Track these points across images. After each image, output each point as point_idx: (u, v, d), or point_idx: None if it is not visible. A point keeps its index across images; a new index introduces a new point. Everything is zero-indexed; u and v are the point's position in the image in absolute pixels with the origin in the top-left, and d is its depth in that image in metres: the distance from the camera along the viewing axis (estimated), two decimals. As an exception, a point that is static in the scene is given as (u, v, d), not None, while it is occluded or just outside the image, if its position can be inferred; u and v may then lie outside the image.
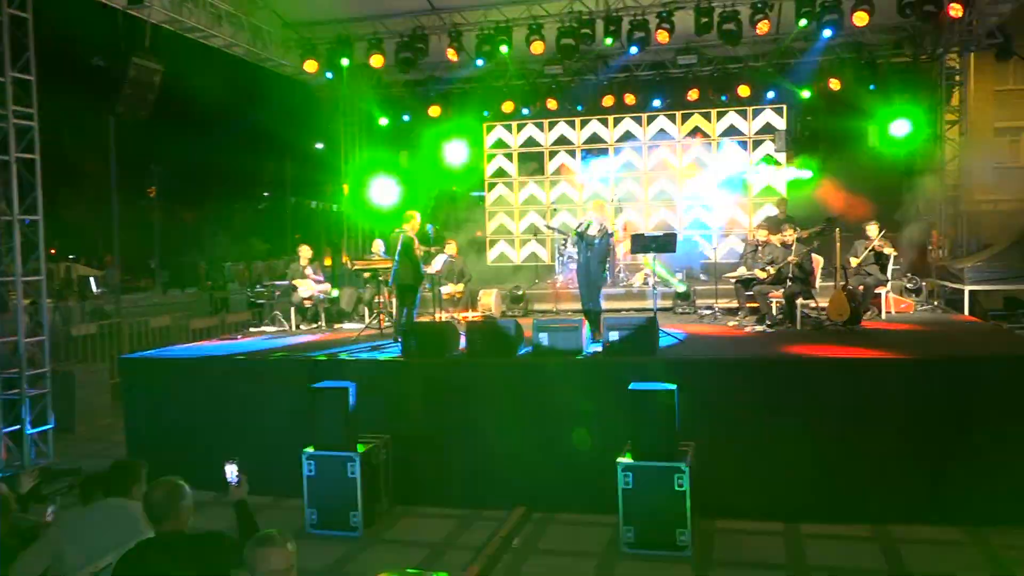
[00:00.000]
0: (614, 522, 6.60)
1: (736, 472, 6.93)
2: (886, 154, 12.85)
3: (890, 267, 10.18)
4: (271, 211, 39.62)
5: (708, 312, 11.11)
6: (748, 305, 10.51)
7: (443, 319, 11.09)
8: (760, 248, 10.70)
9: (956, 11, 11.14)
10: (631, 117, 15.14)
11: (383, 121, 15.71)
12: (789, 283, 9.40)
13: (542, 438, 7.44)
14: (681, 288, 11.75)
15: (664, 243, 8.51)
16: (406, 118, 15.64)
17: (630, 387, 6.56)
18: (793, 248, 9.57)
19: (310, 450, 7.19)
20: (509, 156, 15.97)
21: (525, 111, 15.23)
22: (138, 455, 8.41)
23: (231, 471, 3.74)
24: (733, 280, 10.66)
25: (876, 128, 13.26)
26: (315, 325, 11.53)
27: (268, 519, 7.43)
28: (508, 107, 15.09)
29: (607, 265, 8.98)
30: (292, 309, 11.46)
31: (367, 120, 15.92)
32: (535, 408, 7.52)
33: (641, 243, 8.55)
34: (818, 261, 9.65)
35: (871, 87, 13.32)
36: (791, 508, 6.85)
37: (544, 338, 7.90)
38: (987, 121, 19.85)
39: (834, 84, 13.60)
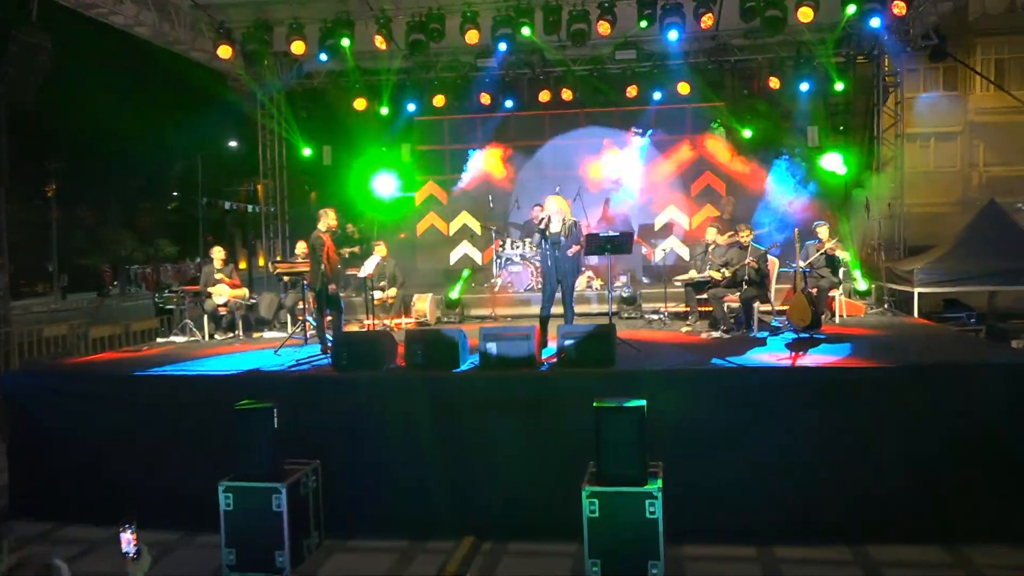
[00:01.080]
0: (573, 551, 5.96)
1: (706, 492, 6.35)
2: (830, 154, 12.66)
3: (841, 270, 9.87)
4: (181, 211, 37.48)
5: (656, 317, 10.58)
6: (700, 309, 10.03)
7: (375, 327, 10.22)
8: (710, 249, 10.23)
9: (900, 9, 10.97)
10: (568, 113, 14.53)
11: (304, 114, 14.69)
12: (745, 286, 8.93)
13: (492, 459, 6.70)
14: (627, 292, 11.20)
15: (620, 244, 7.89)
16: (331, 111, 14.66)
17: (595, 404, 5.87)
18: (749, 249, 9.11)
19: (228, 482, 6.24)
20: (440, 153, 15.14)
21: (457, 105, 14.45)
22: (23, 493, 7.34)
23: (127, 541, 2.86)
24: (683, 283, 10.16)
25: (818, 128, 13.07)
26: (231, 335, 10.47)
27: (179, 560, 6.47)
28: (439, 101, 14.33)
29: (580, 263, 8.37)
30: (205, 317, 10.36)
31: (288, 113, 14.84)
32: (484, 426, 6.78)
33: (596, 243, 7.91)
34: (774, 263, 9.23)
35: (810, 86, 13.14)
36: (764, 530, 6.30)
37: (493, 348, 7.16)
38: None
39: (773, 82, 13.36)
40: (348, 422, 6.99)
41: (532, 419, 6.74)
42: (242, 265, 23.74)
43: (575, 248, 7.98)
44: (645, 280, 12.78)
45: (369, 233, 13.93)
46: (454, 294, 11.50)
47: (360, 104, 14.48)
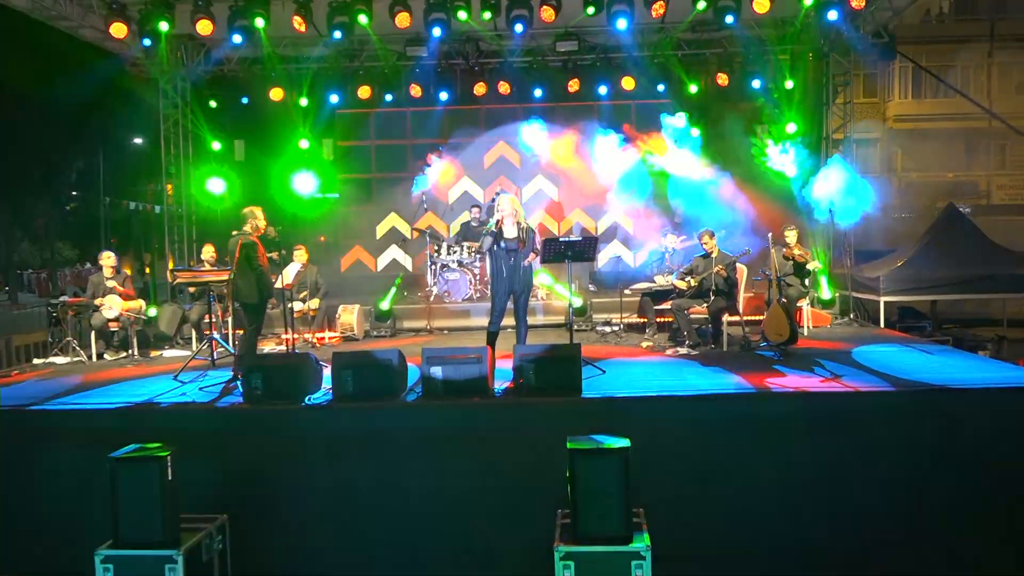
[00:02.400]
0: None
1: (694, 538, 5.41)
2: (780, 155, 12.00)
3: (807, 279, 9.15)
4: (81, 212, 34.62)
5: (609, 330, 9.64)
6: (658, 320, 9.17)
7: (296, 343, 8.96)
8: (668, 256, 9.38)
9: (859, 3, 10.36)
10: (505, 107, 13.49)
11: (214, 104, 13.22)
12: (713, 296, 8.08)
13: (438, 508, 5.61)
14: (577, 302, 10.20)
15: (582, 250, 6.88)
16: (244, 101, 13.20)
17: (569, 445, 4.85)
18: (714, 257, 8.27)
19: (107, 550, 4.96)
20: (365, 149, 13.87)
21: (387, 98, 13.24)
22: None
23: None
24: (642, 293, 9.28)
25: (770, 127, 12.40)
26: (124, 355, 9.01)
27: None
28: (364, 92, 13.07)
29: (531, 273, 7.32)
30: (93, 334, 8.87)
31: (196, 104, 13.32)
32: (428, 467, 5.67)
33: (554, 250, 6.87)
34: (742, 271, 8.41)
35: (760, 83, 12.49)
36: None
37: (438, 373, 6.07)
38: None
39: (722, 79, 12.66)
40: (263, 467, 5.78)
41: (486, 458, 5.69)
42: (147, 270, 21.74)
43: (532, 257, 6.96)
44: (592, 288, 11.83)
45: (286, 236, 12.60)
46: (385, 304, 10.29)
47: (276, 94, 13.07)
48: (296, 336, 9.62)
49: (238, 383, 6.49)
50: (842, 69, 12.89)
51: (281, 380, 6.17)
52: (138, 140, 26.94)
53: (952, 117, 22.51)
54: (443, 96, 13.20)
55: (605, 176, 13.24)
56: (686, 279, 8.40)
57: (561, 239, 6.75)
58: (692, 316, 8.27)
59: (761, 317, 9.21)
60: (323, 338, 9.76)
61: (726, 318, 8.12)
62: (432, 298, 10.95)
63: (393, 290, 10.49)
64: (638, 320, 9.84)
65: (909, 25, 20.18)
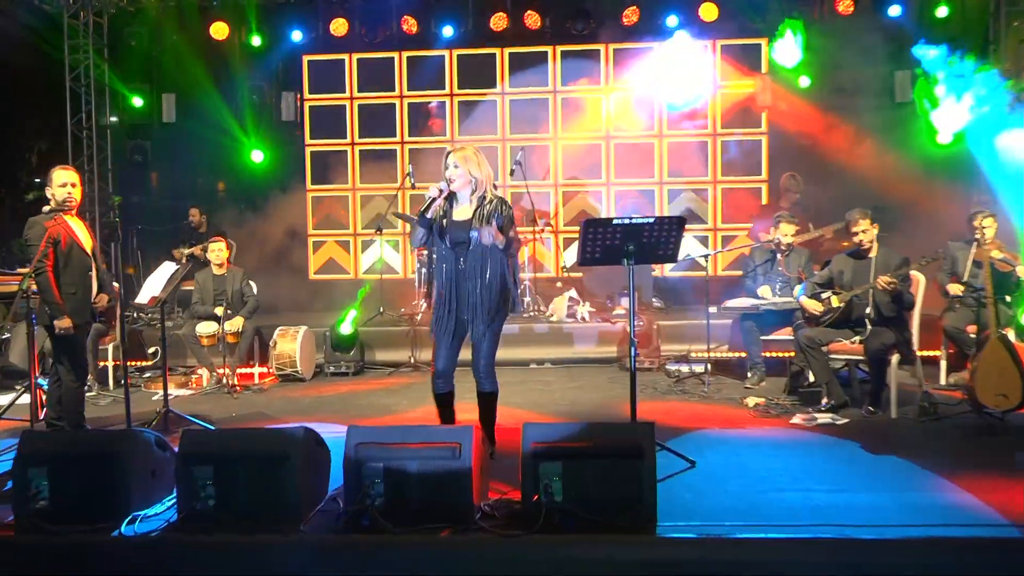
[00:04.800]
0: None
1: None
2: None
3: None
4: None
5: (687, 370, 7.03)
6: (765, 355, 6.59)
7: (203, 384, 6.61)
8: (781, 257, 6.76)
9: None
10: (534, 49, 10.93)
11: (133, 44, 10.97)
12: (871, 326, 5.45)
13: None
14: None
15: (657, 241, 4.22)
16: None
17: None
18: (873, 257, 5.63)
19: None
20: (341, 107, 11.38)
21: (369, 36, 10.80)
22: None
23: None
24: (738, 313, 6.71)
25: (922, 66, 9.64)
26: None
27: None
28: (340, 27, 10.66)
29: (516, 276, 4.59)
30: None
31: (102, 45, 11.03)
32: None
33: (603, 241, 4.19)
34: (918, 282, 5.75)
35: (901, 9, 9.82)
36: None
37: (377, 474, 3.55)
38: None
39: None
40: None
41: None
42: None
43: (494, 234, 4.30)
44: (657, 303, 9.18)
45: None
46: (345, 327, 7.75)
47: (220, 31, 10.76)
48: (209, 373, 7.26)
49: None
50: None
51: (83, 482, 3.70)
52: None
53: None
54: (447, 32, 10.71)
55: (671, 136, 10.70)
56: (822, 296, 5.75)
57: (616, 220, 4.13)
58: (833, 356, 5.64)
59: (934, 354, 6.58)
60: (243, 382, 7.29)
61: (895, 360, 5.45)
62: (420, 315, 8.40)
63: (354, 309, 7.96)
64: (732, 355, 7.25)
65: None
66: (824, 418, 5.31)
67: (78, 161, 11.05)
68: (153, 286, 5.48)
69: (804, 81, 10.04)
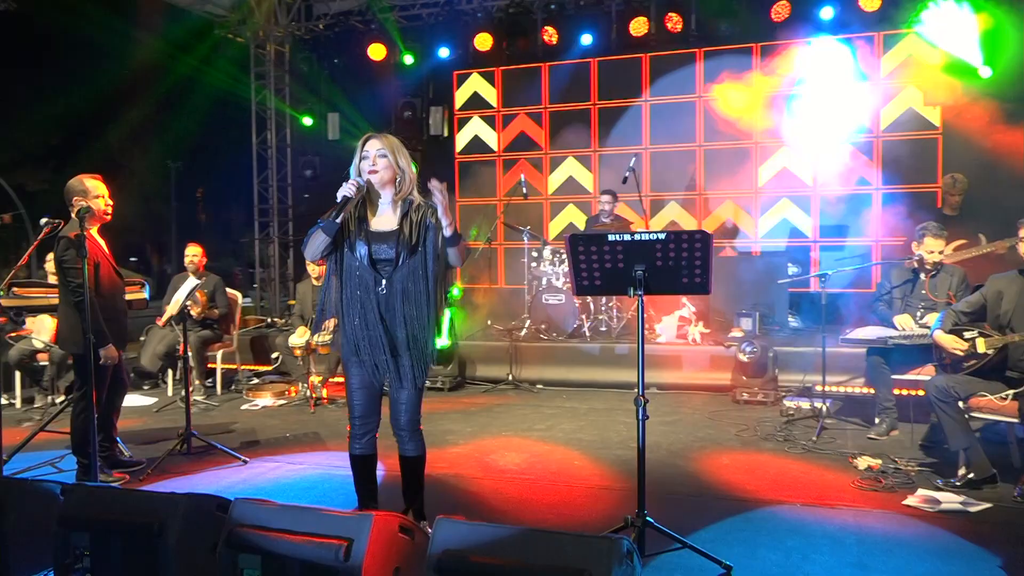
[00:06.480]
0: None
1: None
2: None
3: None
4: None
5: (805, 407, 5.34)
6: (897, 394, 4.83)
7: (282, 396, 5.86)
8: (924, 277, 4.93)
9: None
10: (677, 52, 9.37)
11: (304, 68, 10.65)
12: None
13: None
14: (748, 350, 5.94)
15: (677, 267, 2.80)
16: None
17: None
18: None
19: None
20: (490, 120, 10.40)
21: (509, 50, 9.78)
22: None
23: None
24: (863, 345, 4.97)
25: None
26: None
27: None
28: (484, 43, 9.69)
29: (442, 294, 3.28)
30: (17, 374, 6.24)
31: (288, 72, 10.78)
32: None
33: (588, 269, 2.79)
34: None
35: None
36: None
37: (254, 565, 2.42)
38: None
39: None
40: None
41: None
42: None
43: (443, 205, 2.98)
44: (794, 324, 7.36)
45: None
46: (441, 338, 6.71)
47: (377, 52, 10.16)
48: (295, 385, 6.51)
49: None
50: None
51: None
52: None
53: None
54: (587, 40, 9.41)
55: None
56: (967, 331, 3.95)
57: (613, 237, 2.72)
58: (975, 415, 3.85)
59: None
60: (342, 388, 6.46)
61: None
62: (524, 331, 7.19)
63: (448, 318, 6.89)
64: (864, 391, 5.47)
65: None
66: (952, 502, 3.58)
67: (262, 176, 10.98)
68: (173, 303, 4.71)
69: (985, 72, 7.79)
